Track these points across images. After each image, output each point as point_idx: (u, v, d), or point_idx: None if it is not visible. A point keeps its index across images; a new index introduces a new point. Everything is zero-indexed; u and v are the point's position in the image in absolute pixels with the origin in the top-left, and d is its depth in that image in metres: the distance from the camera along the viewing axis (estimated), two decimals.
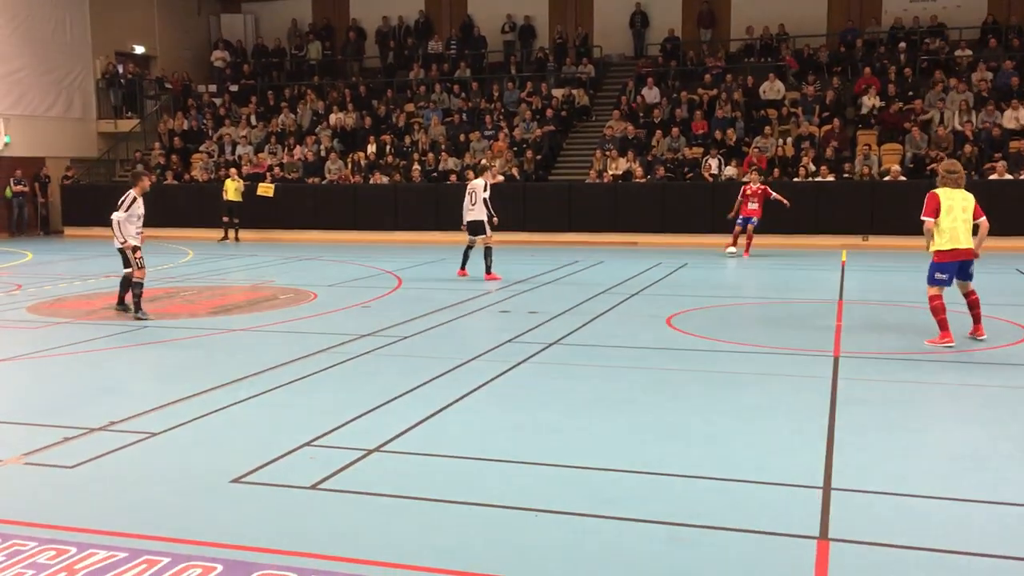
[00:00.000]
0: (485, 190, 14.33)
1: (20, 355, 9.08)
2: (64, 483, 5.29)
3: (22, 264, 17.99)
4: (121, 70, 28.08)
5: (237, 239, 22.84)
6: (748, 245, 18.10)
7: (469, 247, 14.76)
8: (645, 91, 24.78)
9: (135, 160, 26.36)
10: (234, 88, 28.64)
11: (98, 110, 27.50)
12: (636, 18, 27.58)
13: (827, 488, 5.04)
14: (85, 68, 26.99)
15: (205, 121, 27.51)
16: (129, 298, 11.10)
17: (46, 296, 13.11)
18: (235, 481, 5.23)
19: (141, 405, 6.87)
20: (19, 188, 24.57)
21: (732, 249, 18.03)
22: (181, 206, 24.04)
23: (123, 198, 11.04)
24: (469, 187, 14.56)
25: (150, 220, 24.34)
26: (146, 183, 11.14)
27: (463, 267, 14.77)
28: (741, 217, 17.89)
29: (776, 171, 21.20)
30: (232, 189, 22.65)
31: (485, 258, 14.36)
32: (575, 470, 5.42)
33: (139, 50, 28.98)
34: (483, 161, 17.24)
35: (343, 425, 6.33)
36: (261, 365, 8.23)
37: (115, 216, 10.94)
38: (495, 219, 14.36)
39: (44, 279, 15.33)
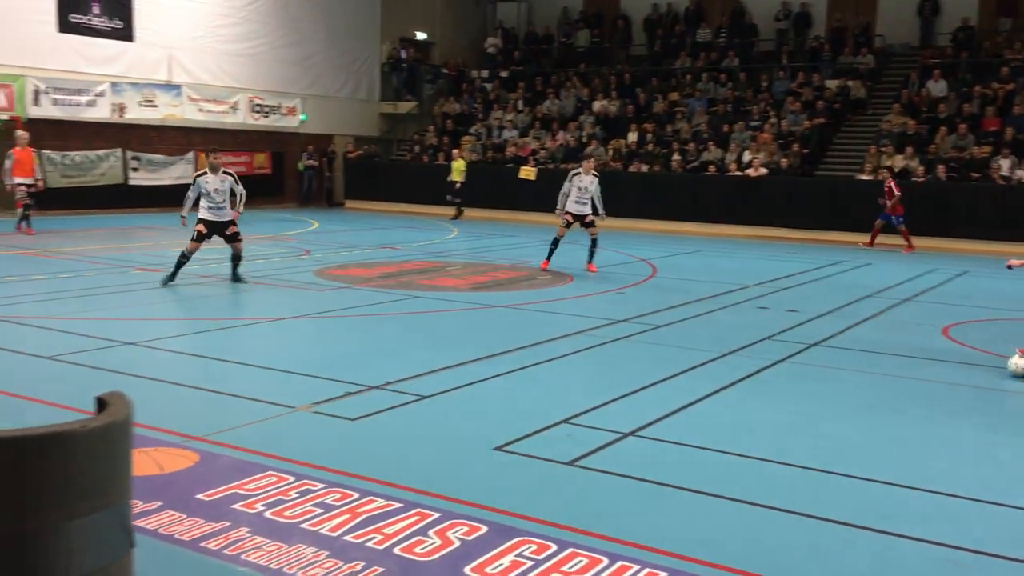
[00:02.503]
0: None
1: (309, 314, 10.00)
2: (346, 433, 5.77)
3: (309, 232, 19.71)
4: (404, 55, 29.92)
5: (459, 216, 23.78)
6: (906, 239, 18.92)
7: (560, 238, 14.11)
8: (930, 84, 23.04)
9: (412, 141, 28.08)
10: (504, 74, 29.69)
11: (381, 92, 29.52)
12: (926, 5, 25.68)
13: None
14: (372, 53, 29.04)
15: (475, 105, 28.74)
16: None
17: (330, 262, 14.30)
18: (498, 449, 5.48)
19: (412, 369, 7.34)
20: (310, 162, 26.91)
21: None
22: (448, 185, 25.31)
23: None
24: (583, 180, 13.84)
25: (420, 196, 25.78)
26: (211, 159, 11.45)
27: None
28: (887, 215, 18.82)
29: None
30: (456, 170, 23.58)
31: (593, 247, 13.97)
32: (839, 477, 5.19)
33: (421, 36, 30.75)
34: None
35: (599, 407, 6.44)
36: (520, 341, 8.54)
37: (189, 191, 11.44)
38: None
39: (328, 247, 16.72)
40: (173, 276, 11.28)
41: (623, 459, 5.38)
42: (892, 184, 18.60)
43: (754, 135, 23.17)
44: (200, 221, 11.32)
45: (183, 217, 11.55)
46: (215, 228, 11.41)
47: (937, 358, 8.56)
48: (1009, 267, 8.52)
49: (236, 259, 11.67)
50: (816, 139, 22.81)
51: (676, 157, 23.25)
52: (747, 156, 22.41)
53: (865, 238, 19.45)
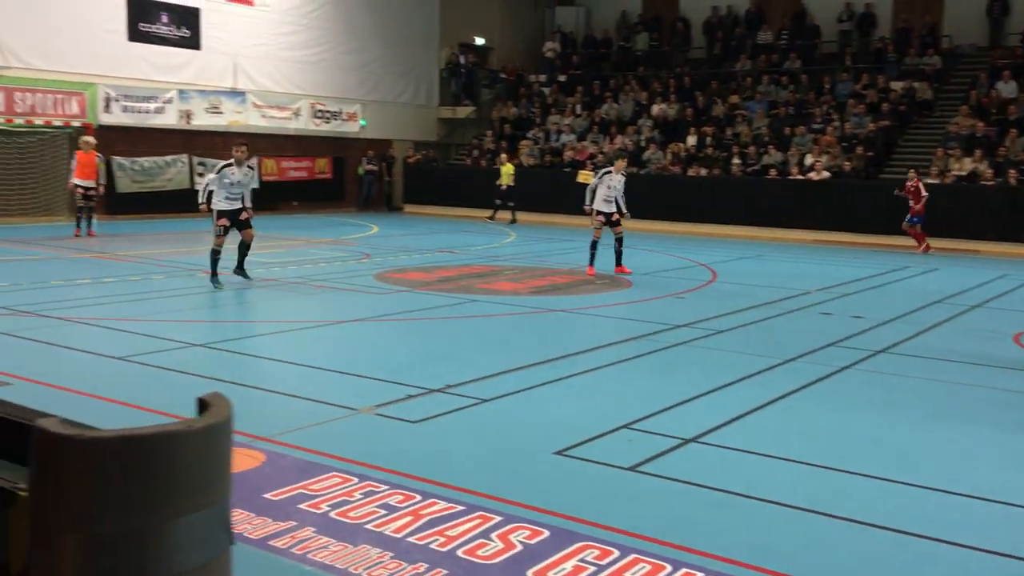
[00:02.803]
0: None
1: (370, 317, 10.12)
2: (408, 435, 5.83)
3: (369, 236, 19.93)
4: (463, 60, 30.11)
5: (514, 220, 23.79)
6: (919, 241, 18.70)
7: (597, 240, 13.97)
8: (1000, 85, 22.47)
9: (471, 145, 28.24)
10: (562, 78, 29.69)
11: (440, 97, 29.73)
12: (995, 5, 25.05)
13: None
14: (431, 59, 29.28)
15: (533, 109, 28.79)
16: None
17: (390, 266, 14.44)
18: (558, 453, 5.48)
19: (472, 372, 7.39)
20: (370, 167, 27.22)
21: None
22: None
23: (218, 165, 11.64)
24: (613, 179, 13.84)
25: (477, 201, 25.85)
26: (235, 153, 11.52)
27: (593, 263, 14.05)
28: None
29: None
30: (505, 174, 23.71)
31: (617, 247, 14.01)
32: (908, 487, 5.09)
33: (479, 41, 30.90)
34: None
35: (659, 412, 6.41)
36: (580, 345, 8.53)
37: (205, 178, 11.49)
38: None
39: (388, 250, 16.89)
40: (215, 275, 11.51)
41: (685, 465, 5.34)
42: (919, 184, 18.25)
43: (816, 138, 22.82)
44: (220, 215, 11.46)
45: (203, 204, 11.53)
46: (231, 216, 11.58)
47: (1009, 366, 8.34)
48: None
49: (244, 248, 11.77)
50: (881, 142, 22.39)
51: (736, 161, 23.01)
52: (809, 159, 22.07)
53: (924, 244, 19.01)
